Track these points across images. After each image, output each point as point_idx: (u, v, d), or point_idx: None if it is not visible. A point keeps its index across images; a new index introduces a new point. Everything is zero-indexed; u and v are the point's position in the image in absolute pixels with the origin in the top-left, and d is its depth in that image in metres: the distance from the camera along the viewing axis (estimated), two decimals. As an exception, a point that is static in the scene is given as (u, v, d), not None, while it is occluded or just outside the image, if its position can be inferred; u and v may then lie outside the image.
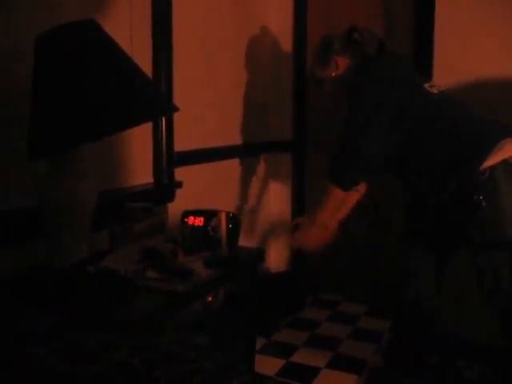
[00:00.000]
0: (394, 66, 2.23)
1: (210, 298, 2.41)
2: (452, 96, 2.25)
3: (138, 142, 2.37)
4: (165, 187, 2.53)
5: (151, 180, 2.50)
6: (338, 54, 2.29)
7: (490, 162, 2.00)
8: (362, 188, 2.39)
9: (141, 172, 2.42)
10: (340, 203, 2.29)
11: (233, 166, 3.17)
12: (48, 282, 1.63)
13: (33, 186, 1.70)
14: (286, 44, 3.47)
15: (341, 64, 2.29)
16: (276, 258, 3.56)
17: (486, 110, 2.29)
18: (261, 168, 3.47)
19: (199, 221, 2.02)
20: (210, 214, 2.04)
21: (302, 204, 3.55)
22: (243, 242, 2.18)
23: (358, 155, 2.13)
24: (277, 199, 3.57)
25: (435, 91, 2.16)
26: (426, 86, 2.17)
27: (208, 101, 2.84)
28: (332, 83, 2.34)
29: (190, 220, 2.04)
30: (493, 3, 2.75)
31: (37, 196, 1.67)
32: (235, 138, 3.17)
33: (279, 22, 3.43)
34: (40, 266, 1.73)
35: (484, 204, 2.00)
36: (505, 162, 2.02)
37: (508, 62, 2.71)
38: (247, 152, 3.31)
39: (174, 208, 2.37)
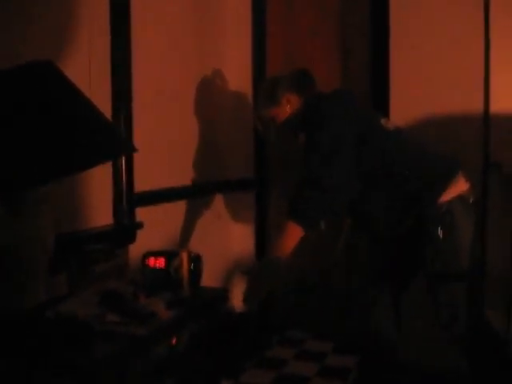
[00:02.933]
0: (348, 101, 2.21)
1: (174, 341, 2.36)
2: (406, 133, 2.30)
3: (98, 182, 2.34)
4: (125, 228, 2.49)
5: (111, 221, 2.46)
6: (288, 91, 2.27)
7: (447, 196, 2.05)
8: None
9: (100, 213, 2.39)
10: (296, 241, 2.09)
11: (195, 205, 3.15)
12: None
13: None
14: (246, 82, 3.51)
15: (293, 101, 2.27)
16: (240, 297, 3.52)
17: (438, 143, 2.36)
18: (223, 207, 3.46)
19: (160, 262, 2.00)
20: (171, 255, 2.01)
21: (265, 242, 3.54)
22: (206, 282, 2.15)
23: (324, 191, 2.00)
24: (240, 238, 3.55)
25: (391, 127, 2.21)
26: (382, 121, 2.22)
27: (169, 141, 2.84)
28: (281, 125, 2.29)
29: (151, 261, 2.01)
30: (446, 40, 2.86)
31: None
32: (197, 178, 3.16)
33: (238, 61, 3.48)
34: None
35: (441, 236, 2.03)
36: (460, 196, 2.07)
37: (462, 97, 2.81)
38: (209, 191, 3.30)
39: (136, 249, 2.33)
